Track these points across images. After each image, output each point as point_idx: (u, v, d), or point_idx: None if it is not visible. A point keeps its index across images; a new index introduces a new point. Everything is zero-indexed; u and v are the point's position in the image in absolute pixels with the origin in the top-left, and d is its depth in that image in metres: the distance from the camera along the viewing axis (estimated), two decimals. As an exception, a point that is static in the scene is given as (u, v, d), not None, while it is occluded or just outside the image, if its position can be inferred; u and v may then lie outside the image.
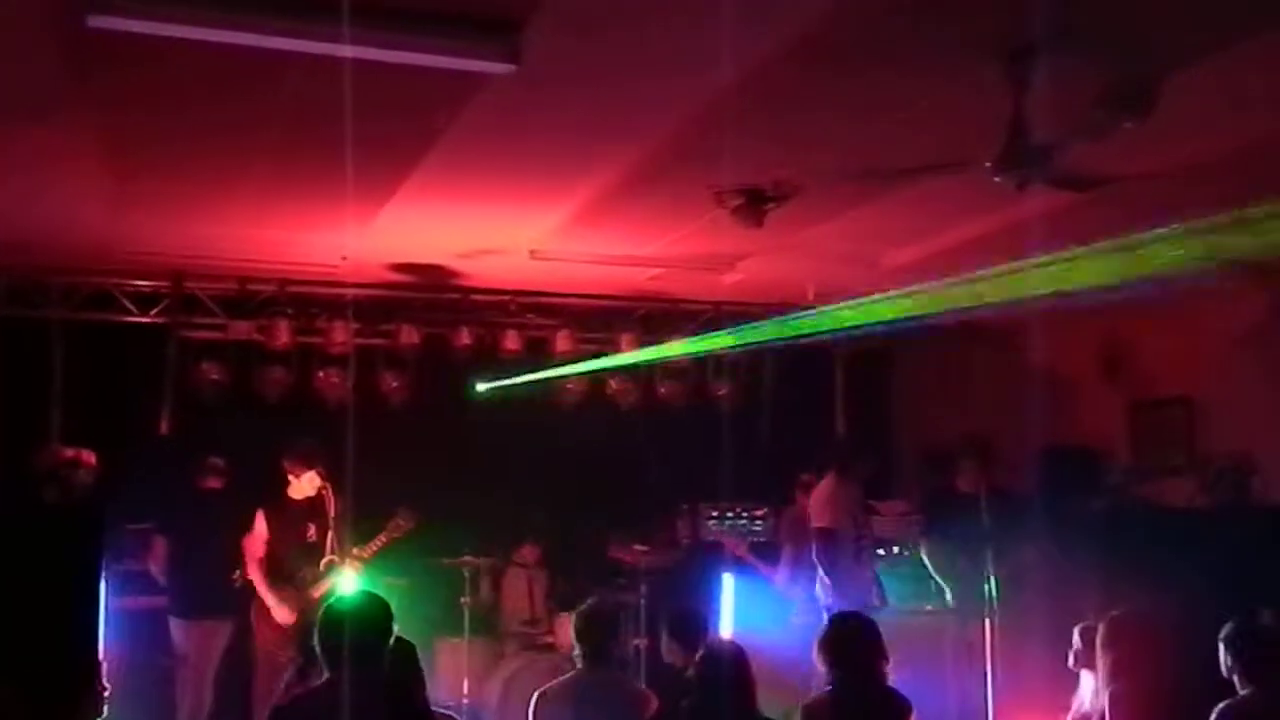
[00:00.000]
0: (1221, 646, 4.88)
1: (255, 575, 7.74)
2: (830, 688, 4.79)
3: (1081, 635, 5.91)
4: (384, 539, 7.97)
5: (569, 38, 4.41)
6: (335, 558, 7.75)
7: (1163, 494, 8.20)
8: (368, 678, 3.95)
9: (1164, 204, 5.47)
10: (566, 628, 8.77)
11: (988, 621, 7.30)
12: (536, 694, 5.31)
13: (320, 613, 4.36)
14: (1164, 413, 8.88)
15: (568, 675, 5.45)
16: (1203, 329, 8.29)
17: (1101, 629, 4.70)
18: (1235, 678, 4.81)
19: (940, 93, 4.82)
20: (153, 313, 8.68)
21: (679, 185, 6.29)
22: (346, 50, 4.29)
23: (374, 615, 4.15)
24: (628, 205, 6.68)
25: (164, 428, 8.45)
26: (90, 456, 6.99)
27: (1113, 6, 4.09)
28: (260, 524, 7.81)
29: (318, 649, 4.12)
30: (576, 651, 5.35)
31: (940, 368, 10.30)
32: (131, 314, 8.61)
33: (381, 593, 6.37)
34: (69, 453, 6.97)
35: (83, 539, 4.34)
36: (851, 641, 4.79)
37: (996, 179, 4.69)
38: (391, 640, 4.15)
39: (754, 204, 6.34)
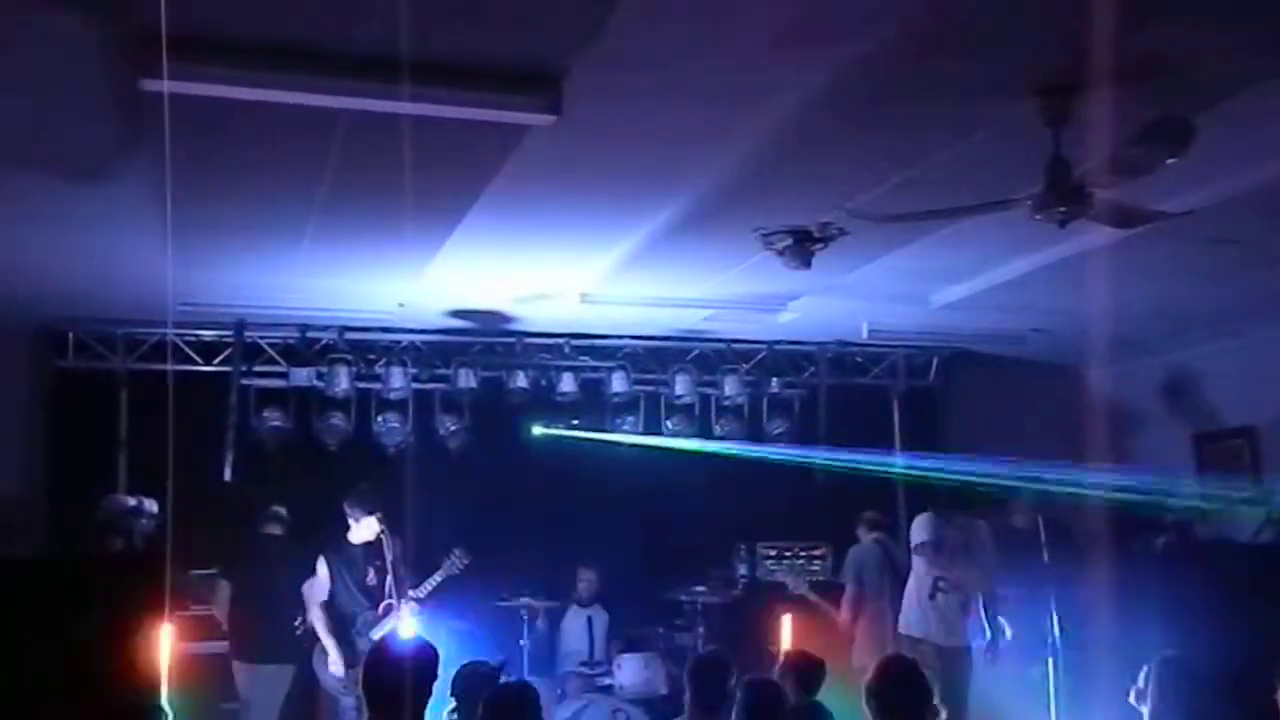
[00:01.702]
0: None
1: (317, 620, 7.83)
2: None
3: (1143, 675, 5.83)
4: (440, 577, 8.05)
5: (607, 89, 4.47)
6: (393, 601, 7.84)
7: (1226, 528, 8.06)
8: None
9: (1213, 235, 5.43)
10: (626, 669, 8.80)
11: (1050, 660, 7.22)
12: None
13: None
14: (1228, 444, 8.76)
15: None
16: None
17: (1146, 671, 4.64)
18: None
19: (979, 131, 4.81)
20: (215, 361, 8.85)
21: (727, 228, 6.31)
22: (391, 106, 4.40)
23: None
24: (676, 248, 6.71)
25: (227, 474, 8.59)
26: (152, 505, 7.15)
27: (1152, 42, 4.07)
28: (322, 569, 7.91)
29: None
30: (687, 697, 5.42)
31: (999, 402, 10.20)
32: (195, 363, 8.78)
33: (441, 636, 6.42)
34: (132, 501, 7.13)
35: (144, 584, 4.44)
36: (900, 687, 4.74)
37: (1037, 217, 4.66)
38: (431, 684, 4.19)
39: (801, 245, 6.36)
